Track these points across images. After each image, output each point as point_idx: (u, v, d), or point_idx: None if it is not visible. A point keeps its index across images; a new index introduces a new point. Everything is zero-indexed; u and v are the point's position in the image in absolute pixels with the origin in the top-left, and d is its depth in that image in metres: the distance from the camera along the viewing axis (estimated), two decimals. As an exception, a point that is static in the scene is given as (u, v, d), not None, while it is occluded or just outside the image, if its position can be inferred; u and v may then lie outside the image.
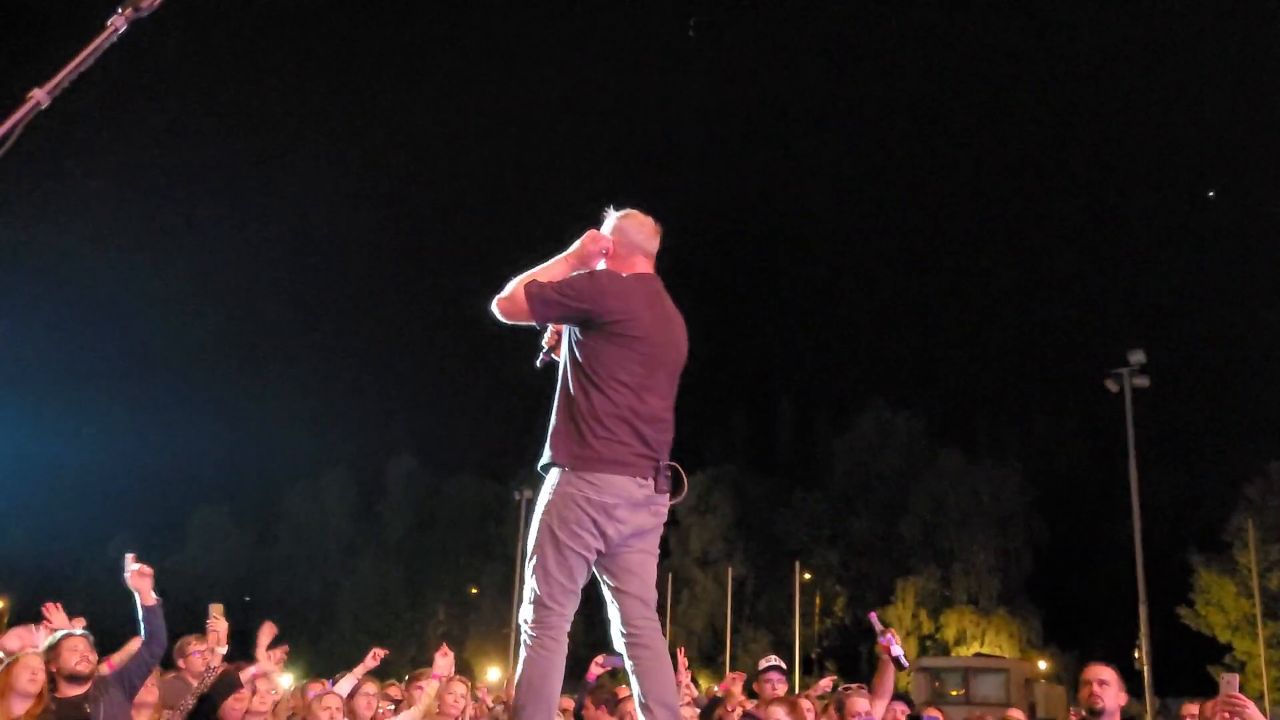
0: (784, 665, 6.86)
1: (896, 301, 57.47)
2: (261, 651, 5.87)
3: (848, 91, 64.42)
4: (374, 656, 6.43)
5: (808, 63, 65.78)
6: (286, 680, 11.35)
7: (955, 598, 39.63)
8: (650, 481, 3.43)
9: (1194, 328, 45.40)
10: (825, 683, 8.42)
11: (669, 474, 3.49)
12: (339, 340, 54.17)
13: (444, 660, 6.12)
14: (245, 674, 5.59)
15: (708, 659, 40.02)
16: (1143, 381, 27.36)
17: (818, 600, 41.37)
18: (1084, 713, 4.95)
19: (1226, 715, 4.67)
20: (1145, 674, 23.77)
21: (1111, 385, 27.31)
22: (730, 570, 40.64)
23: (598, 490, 3.36)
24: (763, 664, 6.65)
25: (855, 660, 39.63)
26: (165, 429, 43.09)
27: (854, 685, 6.54)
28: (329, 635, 41.81)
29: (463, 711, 6.47)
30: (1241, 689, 4.33)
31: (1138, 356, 27.48)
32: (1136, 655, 25.32)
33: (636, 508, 3.41)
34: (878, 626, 6.05)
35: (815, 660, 39.43)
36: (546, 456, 3.47)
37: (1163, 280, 52.17)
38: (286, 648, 6.33)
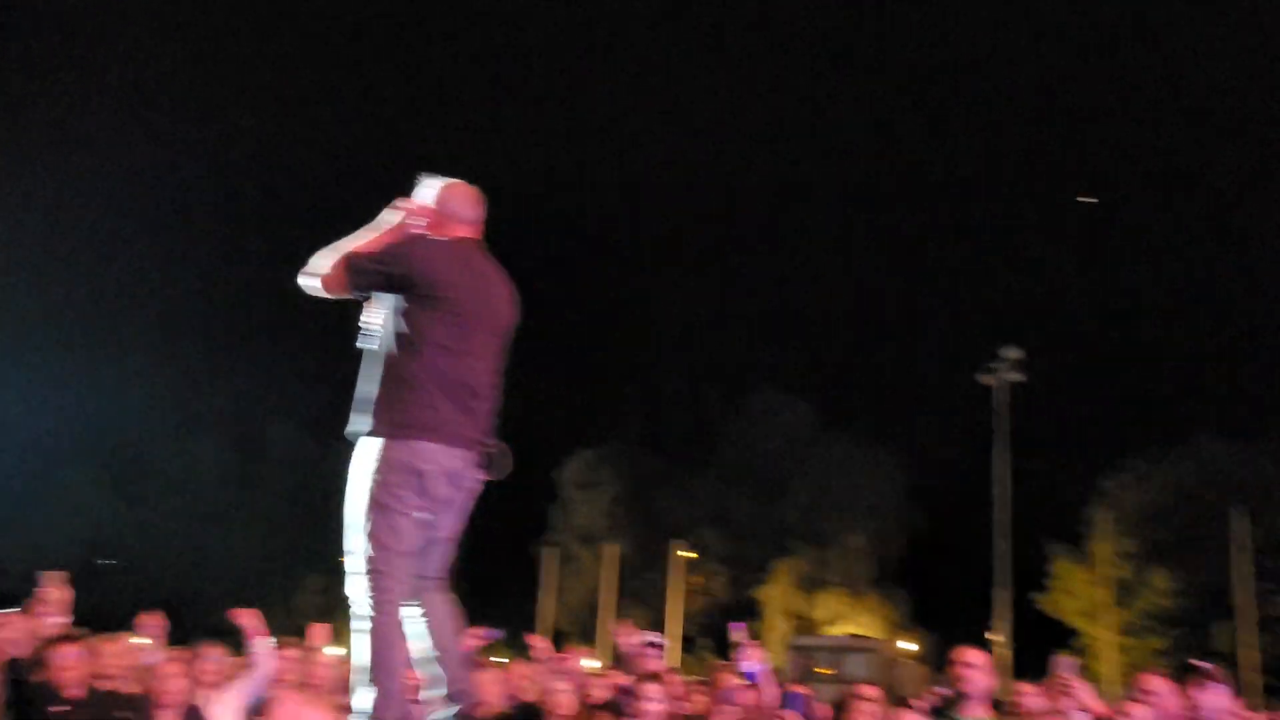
0: (661, 641, 6.94)
1: (787, 286, 58.52)
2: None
3: (735, 71, 65.28)
4: (138, 625, 6.17)
5: (709, 45, 66.23)
6: (146, 644, 10.98)
7: (829, 579, 40.65)
8: (466, 454, 3.42)
9: (1067, 327, 47.35)
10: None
11: (489, 450, 3.48)
12: (219, 295, 52.39)
13: (250, 619, 5.89)
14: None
15: (587, 636, 40.25)
16: (1017, 376, 28.47)
17: (697, 579, 41.92)
18: (952, 693, 5.18)
19: (1057, 694, 5.00)
20: (1001, 655, 24.83)
21: (985, 379, 28.37)
22: (612, 547, 40.88)
23: (416, 456, 3.33)
24: (638, 639, 6.71)
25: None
26: (23, 385, 41.07)
27: (727, 662, 6.65)
28: (198, 602, 40.65)
29: (332, 680, 6.37)
30: (1085, 672, 4.61)
31: (1011, 353, 28.58)
32: (988, 638, 26.49)
33: (451, 478, 3.39)
34: (737, 636, 6.05)
35: (692, 638, 40.00)
36: (364, 425, 3.41)
37: (1040, 280, 54.29)
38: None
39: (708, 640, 40.24)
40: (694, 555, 41.01)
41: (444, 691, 3.35)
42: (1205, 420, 37.38)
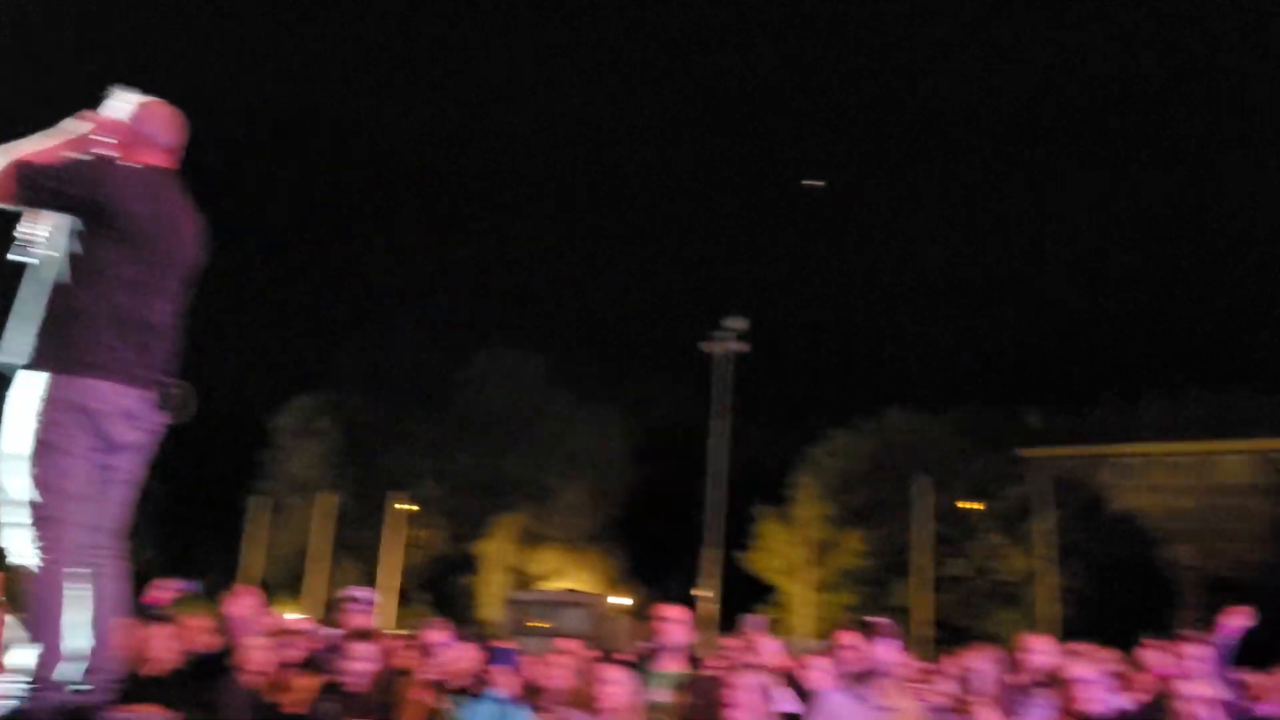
0: (367, 596, 6.74)
1: (521, 245, 58.61)
2: None
3: (484, 28, 64.54)
4: None
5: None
6: None
7: (549, 535, 41.26)
8: (143, 393, 3.21)
9: (791, 303, 50.19)
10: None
11: (168, 390, 3.27)
12: None
13: None
14: None
15: (295, 588, 38.90)
16: (740, 347, 29.72)
17: (419, 533, 41.39)
18: (651, 646, 5.33)
19: (747, 648, 5.28)
20: (709, 611, 26.17)
21: (708, 347, 29.53)
22: (328, 498, 39.68)
23: (87, 395, 3.10)
24: (343, 593, 6.50)
25: (450, 593, 40.21)
26: None
27: (438, 620, 6.57)
28: None
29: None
30: (781, 626, 4.87)
31: (735, 323, 29.84)
32: (694, 594, 27.93)
33: (127, 419, 3.18)
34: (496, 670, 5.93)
35: (408, 592, 39.53)
36: (25, 357, 3.12)
37: (770, 258, 57.26)
38: None
39: (425, 595, 39.93)
40: (414, 508, 40.50)
41: (84, 668, 3.04)
42: (896, 395, 40.76)
